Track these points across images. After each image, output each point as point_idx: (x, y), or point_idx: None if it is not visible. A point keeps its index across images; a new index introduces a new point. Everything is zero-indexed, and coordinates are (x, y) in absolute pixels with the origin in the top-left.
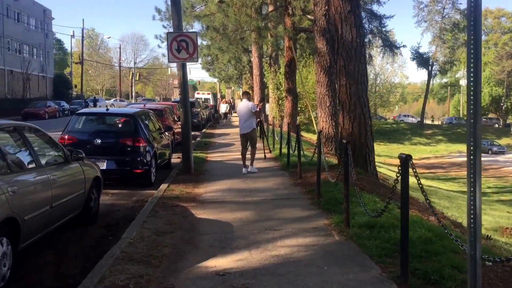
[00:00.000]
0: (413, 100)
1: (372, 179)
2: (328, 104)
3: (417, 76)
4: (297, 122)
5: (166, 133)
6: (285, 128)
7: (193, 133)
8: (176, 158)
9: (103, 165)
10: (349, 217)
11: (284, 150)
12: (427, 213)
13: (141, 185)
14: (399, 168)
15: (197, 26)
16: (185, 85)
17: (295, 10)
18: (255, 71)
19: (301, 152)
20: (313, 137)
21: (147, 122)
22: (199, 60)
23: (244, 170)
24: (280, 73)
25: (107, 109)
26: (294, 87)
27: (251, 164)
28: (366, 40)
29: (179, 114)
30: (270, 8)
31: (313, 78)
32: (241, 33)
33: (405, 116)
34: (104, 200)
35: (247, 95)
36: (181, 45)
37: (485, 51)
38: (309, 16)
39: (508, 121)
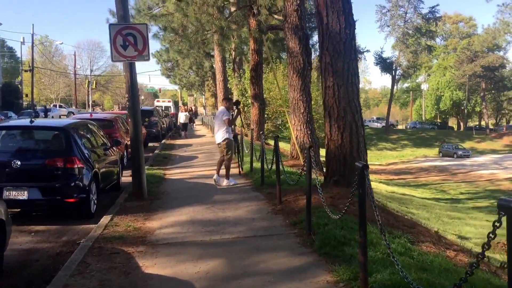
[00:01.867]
0: (373, 105)
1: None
2: (302, 110)
3: (380, 81)
4: (264, 129)
5: (114, 148)
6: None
7: (151, 144)
8: (128, 176)
9: (24, 195)
10: (367, 275)
11: (256, 165)
12: (440, 247)
13: (78, 217)
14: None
15: (154, 30)
16: (133, 90)
17: (261, 8)
18: (218, 77)
19: (280, 168)
20: (284, 147)
21: (86, 136)
22: (159, 66)
23: (215, 176)
24: (245, 78)
25: (31, 122)
26: (261, 93)
27: (226, 177)
28: None
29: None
30: (233, 8)
31: (280, 82)
32: (202, 35)
33: (369, 121)
34: (22, 242)
35: (227, 101)
36: (127, 40)
37: (444, 55)
38: (276, 16)
39: (469, 124)
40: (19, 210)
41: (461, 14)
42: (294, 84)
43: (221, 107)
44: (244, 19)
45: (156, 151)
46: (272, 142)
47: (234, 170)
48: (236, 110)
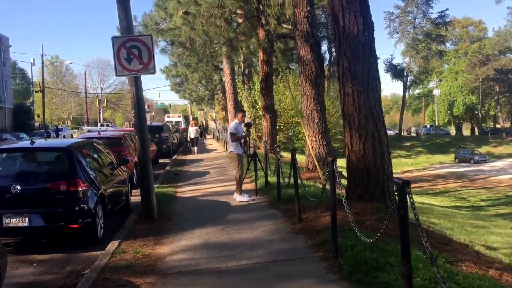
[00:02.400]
0: (384, 113)
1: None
2: (316, 121)
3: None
4: (277, 141)
5: (122, 167)
6: (263, 150)
7: (162, 160)
8: (138, 195)
9: (25, 222)
10: None
11: (271, 179)
12: (482, 266)
13: (84, 243)
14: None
15: (162, 45)
16: (139, 105)
17: (269, 18)
18: (228, 89)
19: (298, 182)
20: (297, 159)
21: (91, 155)
22: (168, 82)
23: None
24: (255, 89)
25: (32, 143)
26: (272, 104)
27: (238, 192)
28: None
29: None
30: (240, 20)
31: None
32: (210, 47)
33: None
34: (22, 275)
35: (239, 113)
36: (131, 53)
37: (455, 60)
38: (284, 26)
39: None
40: (20, 238)
41: (470, 17)
42: (307, 93)
43: (234, 121)
44: (253, 30)
45: (167, 168)
46: (285, 154)
47: (248, 186)
48: (246, 131)
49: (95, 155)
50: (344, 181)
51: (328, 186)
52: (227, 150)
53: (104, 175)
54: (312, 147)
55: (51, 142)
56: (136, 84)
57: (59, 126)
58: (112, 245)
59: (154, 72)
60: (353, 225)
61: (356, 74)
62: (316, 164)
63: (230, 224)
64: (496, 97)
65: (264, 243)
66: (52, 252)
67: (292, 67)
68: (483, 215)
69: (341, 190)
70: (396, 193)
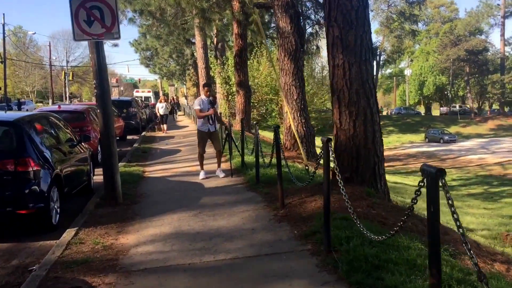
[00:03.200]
0: None
1: (389, 204)
2: (295, 97)
3: None
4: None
5: (83, 144)
6: (237, 127)
7: (130, 137)
8: (101, 175)
9: None
10: None
11: (251, 159)
12: (485, 259)
13: (36, 231)
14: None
15: (130, 15)
16: (101, 75)
17: None
18: (200, 64)
19: (281, 163)
20: (270, 136)
21: (46, 131)
22: (138, 55)
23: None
24: (228, 65)
25: None
26: (247, 80)
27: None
28: (313, 31)
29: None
30: None
31: (266, 69)
32: (182, 19)
33: None
34: None
35: (205, 87)
36: (92, 15)
37: (426, 40)
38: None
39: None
40: None
41: None
42: (285, 68)
43: (199, 97)
44: (227, 1)
45: (135, 145)
46: (266, 134)
47: (223, 165)
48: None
49: (51, 131)
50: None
51: (311, 168)
52: None
53: (61, 153)
54: (290, 125)
55: None
56: (98, 50)
57: (22, 100)
58: (68, 234)
59: (118, 37)
60: (353, 216)
61: (347, 44)
62: (298, 142)
63: (204, 208)
64: (466, 78)
65: (244, 233)
66: None
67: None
68: (455, 195)
69: (314, 172)
70: (424, 183)
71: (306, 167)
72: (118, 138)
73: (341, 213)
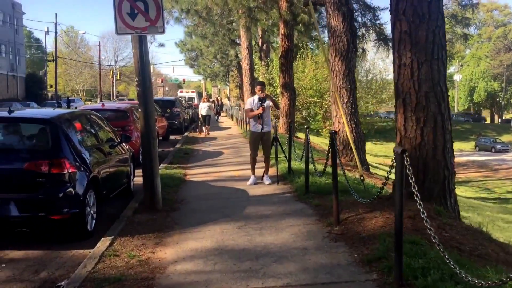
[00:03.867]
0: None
1: (462, 224)
2: (346, 100)
3: None
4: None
5: (124, 145)
6: (282, 130)
7: (173, 137)
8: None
9: None
10: None
11: (298, 165)
12: None
13: (70, 238)
14: None
15: (177, 15)
16: (144, 72)
17: None
18: (245, 65)
19: (337, 172)
20: (321, 142)
21: (84, 130)
22: (183, 56)
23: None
24: (273, 66)
25: (10, 112)
26: (291, 81)
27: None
28: (359, 33)
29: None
30: None
31: (311, 71)
32: (228, 18)
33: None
34: None
35: (257, 85)
36: (136, 7)
37: (478, 45)
38: None
39: (506, 117)
40: None
41: (496, 1)
42: (336, 69)
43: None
44: (274, 0)
45: (178, 146)
46: (301, 135)
47: (269, 171)
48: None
49: (90, 130)
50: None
51: (368, 179)
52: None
53: (101, 154)
54: (338, 130)
55: (34, 112)
56: (141, 45)
57: (71, 98)
58: (102, 244)
59: (163, 32)
60: (435, 241)
61: (418, 40)
62: (353, 149)
63: (249, 220)
64: None
65: (295, 253)
66: (30, 247)
67: (311, 46)
68: (511, 208)
69: (384, 185)
70: None
71: (362, 178)
72: (161, 138)
73: (408, 235)
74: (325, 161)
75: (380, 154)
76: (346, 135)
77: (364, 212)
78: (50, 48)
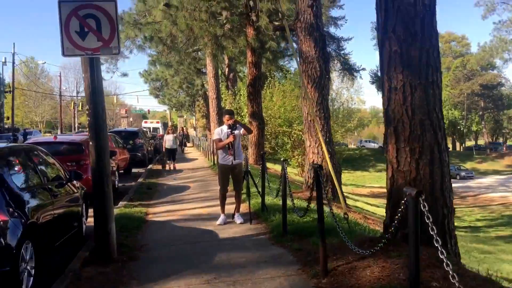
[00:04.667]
0: (363, 126)
1: (470, 272)
2: (320, 129)
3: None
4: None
5: (74, 183)
6: (251, 161)
7: (136, 170)
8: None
9: None
10: None
11: (272, 200)
12: None
13: None
14: None
15: (140, 42)
16: (95, 98)
17: (261, 14)
18: (211, 94)
19: (322, 210)
20: (289, 172)
21: (24, 168)
22: (147, 86)
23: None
24: (240, 95)
25: None
26: (260, 110)
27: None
28: None
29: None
30: (227, 14)
31: (279, 100)
32: (193, 46)
33: (366, 141)
34: None
35: (226, 114)
36: (86, 25)
37: None
38: (276, 23)
39: (467, 144)
40: None
41: (453, 33)
42: (309, 96)
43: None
44: (241, 28)
45: (140, 180)
46: (270, 166)
47: (241, 208)
48: (230, 133)
49: (31, 168)
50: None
51: (354, 216)
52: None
53: (43, 195)
54: (312, 160)
55: None
56: (93, 69)
57: (30, 129)
58: None
59: (117, 53)
60: None
61: (410, 61)
62: (335, 182)
63: (220, 271)
64: (481, 113)
65: None
66: None
67: (278, 75)
68: (483, 237)
69: (379, 227)
70: None
71: (346, 216)
72: (122, 171)
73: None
74: (300, 195)
75: (348, 183)
76: (313, 164)
77: (355, 260)
78: (8, 79)
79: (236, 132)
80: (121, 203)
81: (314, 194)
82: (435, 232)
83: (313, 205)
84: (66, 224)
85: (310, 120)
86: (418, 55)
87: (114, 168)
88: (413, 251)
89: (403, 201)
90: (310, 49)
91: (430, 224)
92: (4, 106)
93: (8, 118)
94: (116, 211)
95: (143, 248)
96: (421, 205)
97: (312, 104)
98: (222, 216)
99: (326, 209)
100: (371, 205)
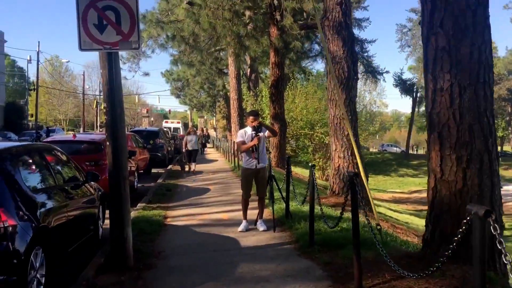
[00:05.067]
0: (384, 129)
1: None
2: (346, 133)
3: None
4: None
5: (92, 184)
6: (273, 164)
7: (155, 170)
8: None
9: None
10: None
11: (296, 207)
12: None
13: None
14: None
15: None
16: (113, 96)
17: (285, 13)
18: (233, 95)
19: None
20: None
21: (37, 169)
22: (169, 86)
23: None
24: (262, 97)
25: None
26: (282, 112)
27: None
28: None
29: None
30: (251, 13)
31: (302, 102)
32: (215, 46)
33: (388, 145)
34: None
35: (249, 116)
36: (105, 17)
37: None
38: (300, 22)
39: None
40: None
41: None
42: (335, 98)
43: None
44: (264, 28)
45: (159, 180)
46: (296, 170)
47: (264, 214)
48: (255, 135)
49: (45, 168)
50: (417, 220)
51: (383, 225)
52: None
53: (57, 197)
54: (339, 165)
55: None
56: (111, 64)
57: (53, 127)
58: None
59: (137, 47)
60: None
61: (459, 59)
62: (368, 191)
63: (242, 285)
64: (508, 118)
65: None
66: None
67: (300, 77)
68: None
69: (409, 237)
70: None
71: (378, 227)
72: (142, 171)
73: None
74: (325, 201)
75: (370, 188)
76: (347, 171)
77: (393, 278)
78: (33, 77)
79: (260, 134)
80: (139, 205)
81: (339, 200)
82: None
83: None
84: (80, 228)
85: (337, 123)
86: (468, 52)
87: (133, 168)
88: (478, 278)
89: (465, 220)
90: (338, 49)
91: (503, 251)
92: (29, 104)
93: (32, 116)
94: (134, 213)
95: (160, 255)
96: (492, 227)
97: (339, 106)
98: (244, 223)
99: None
100: (394, 211)
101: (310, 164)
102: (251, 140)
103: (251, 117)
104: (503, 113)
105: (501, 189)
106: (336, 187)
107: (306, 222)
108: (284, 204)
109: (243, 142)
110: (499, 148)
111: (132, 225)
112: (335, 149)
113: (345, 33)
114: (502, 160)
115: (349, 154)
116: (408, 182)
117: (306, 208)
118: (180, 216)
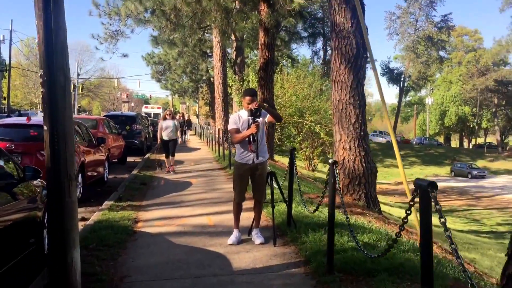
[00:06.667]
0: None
1: None
2: (353, 120)
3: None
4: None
5: (31, 182)
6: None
7: (131, 159)
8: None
9: None
10: None
11: (296, 208)
12: None
13: None
14: None
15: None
16: (51, 60)
17: None
18: (217, 79)
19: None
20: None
21: None
22: (149, 69)
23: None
24: (249, 81)
25: None
26: (272, 97)
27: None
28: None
29: (99, 134)
30: None
31: (291, 88)
32: (200, 21)
33: (372, 135)
34: None
35: (246, 95)
36: None
37: (448, 69)
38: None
39: (478, 142)
40: None
41: (466, 27)
42: (341, 79)
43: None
44: (254, 5)
45: (134, 172)
46: (283, 160)
47: (262, 221)
48: (253, 122)
49: None
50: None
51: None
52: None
53: None
54: (343, 158)
55: None
56: (48, 10)
57: (27, 111)
58: None
59: None
60: None
61: None
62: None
63: None
64: (494, 110)
65: None
66: None
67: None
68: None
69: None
70: None
71: (398, 234)
72: (116, 160)
73: None
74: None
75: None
76: (354, 165)
77: None
78: (7, 58)
79: (259, 120)
80: (106, 204)
81: (347, 200)
82: None
83: (363, 221)
84: (10, 245)
85: (342, 109)
86: None
87: (103, 158)
88: None
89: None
90: (346, 21)
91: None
92: (3, 87)
93: (5, 99)
94: (97, 215)
95: (123, 283)
96: None
97: (344, 88)
98: (235, 233)
99: (375, 224)
100: (384, 204)
101: (329, 161)
102: (248, 128)
103: (247, 98)
104: (489, 105)
105: (484, 179)
106: (341, 183)
107: (314, 233)
108: (282, 207)
109: (237, 130)
110: (483, 139)
111: (91, 233)
112: (340, 139)
113: (353, 3)
114: (488, 152)
115: (356, 145)
116: (394, 173)
117: (310, 211)
118: (155, 219)
